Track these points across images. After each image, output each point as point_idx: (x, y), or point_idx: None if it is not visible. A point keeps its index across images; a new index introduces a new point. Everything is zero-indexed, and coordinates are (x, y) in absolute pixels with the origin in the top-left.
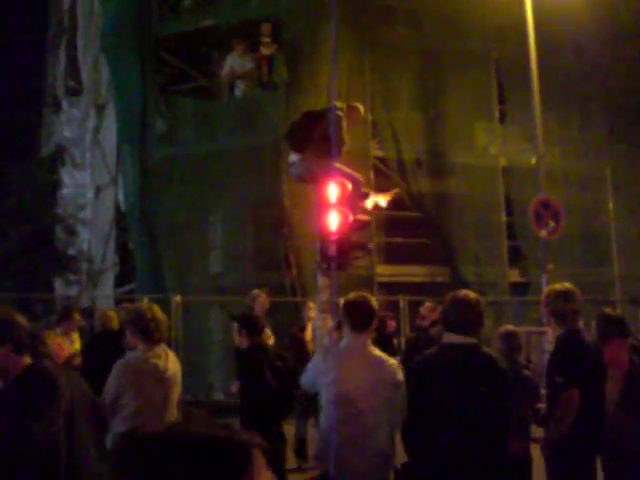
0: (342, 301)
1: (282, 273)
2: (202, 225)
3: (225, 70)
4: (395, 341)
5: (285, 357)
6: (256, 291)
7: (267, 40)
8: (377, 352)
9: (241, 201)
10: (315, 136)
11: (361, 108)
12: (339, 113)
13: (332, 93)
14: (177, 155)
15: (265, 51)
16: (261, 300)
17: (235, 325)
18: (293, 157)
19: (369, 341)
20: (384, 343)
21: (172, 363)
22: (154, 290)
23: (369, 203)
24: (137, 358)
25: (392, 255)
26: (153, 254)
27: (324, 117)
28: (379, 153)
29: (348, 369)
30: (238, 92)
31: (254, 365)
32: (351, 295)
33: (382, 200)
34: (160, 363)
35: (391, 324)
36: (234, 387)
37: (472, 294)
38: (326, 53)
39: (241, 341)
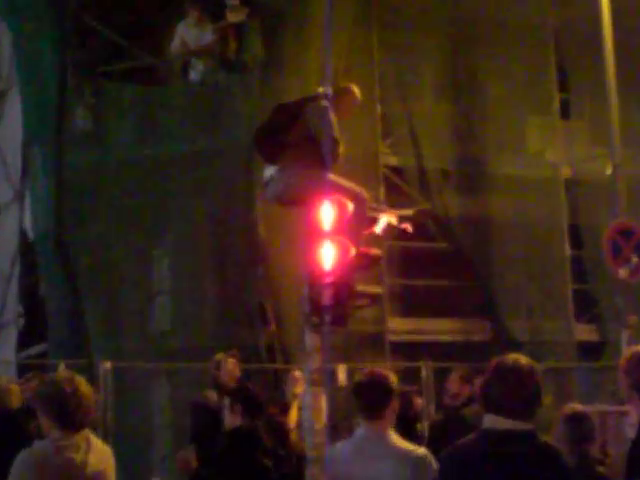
0: (339, 368)
1: (256, 329)
2: (142, 261)
3: (174, 44)
4: (418, 426)
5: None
6: (221, 355)
7: (234, 2)
8: (401, 442)
9: (198, 228)
10: (292, 138)
11: (356, 91)
12: (321, 103)
13: (326, 77)
14: (108, 162)
15: (232, 18)
16: (229, 367)
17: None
18: (269, 171)
19: (389, 429)
20: (405, 428)
21: (97, 457)
22: (74, 353)
23: (378, 229)
24: (45, 450)
25: (410, 304)
26: (73, 302)
27: (302, 111)
28: (392, 160)
29: (364, 470)
30: (194, 75)
31: (249, 451)
32: (362, 374)
33: (394, 220)
34: (78, 457)
35: (417, 402)
36: None
37: (524, 360)
38: (318, 22)
39: (234, 420)
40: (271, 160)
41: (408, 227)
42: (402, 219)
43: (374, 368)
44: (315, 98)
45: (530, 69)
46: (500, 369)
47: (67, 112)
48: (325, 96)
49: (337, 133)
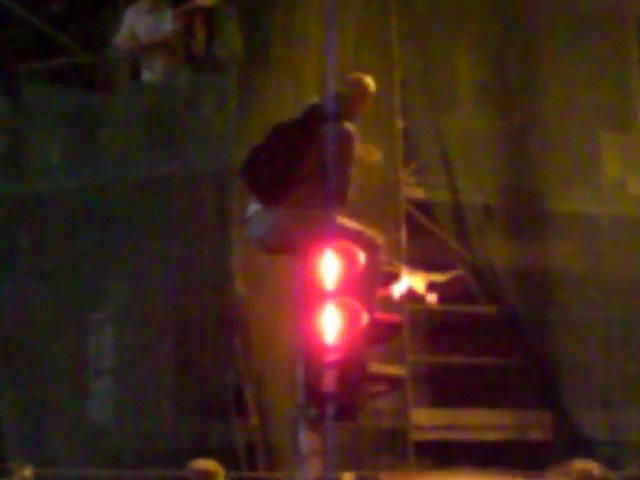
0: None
1: (231, 424)
2: (76, 330)
3: (121, 36)
4: None
5: None
6: (197, 463)
7: None
8: None
9: (152, 283)
10: (301, 174)
11: (370, 82)
12: (344, 126)
13: (329, 79)
14: (29, 195)
15: (201, 1)
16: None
17: None
18: (253, 208)
19: None
20: None
21: None
22: None
23: (396, 293)
24: None
25: (441, 390)
26: None
27: (314, 132)
28: (417, 193)
29: None
30: (148, 77)
31: None
32: None
33: (420, 284)
34: None
35: None
36: None
37: (597, 469)
38: (316, 5)
39: None
40: (267, 201)
41: (434, 299)
42: (431, 284)
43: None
44: (334, 116)
45: (605, 71)
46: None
47: None
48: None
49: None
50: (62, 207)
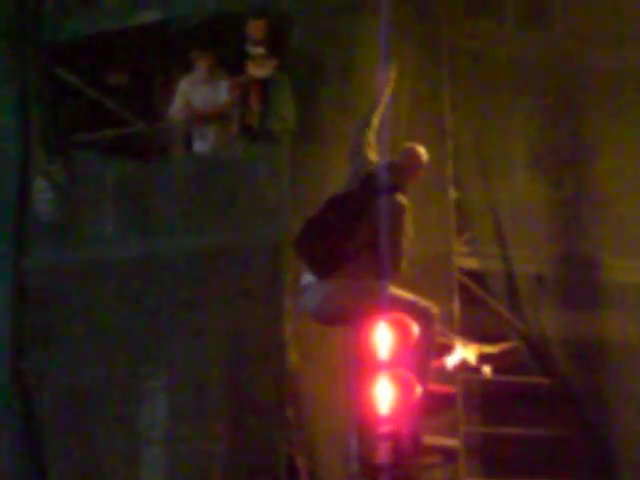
0: None
1: None
2: (127, 398)
3: (176, 106)
4: None
5: None
6: None
7: (259, 52)
8: None
9: (205, 353)
10: (353, 246)
11: (423, 152)
12: (398, 199)
13: (382, 150)
14: (81, 263)
15: (255, 72)
16: None
17: None
18: (307, 279)
19: None
20: None
21: None
22: None
23: (451, 361)
24: None
25: (496, 461)
26: (32, 458)
27: (368, 204)
28: (470, 263)
29: None
30: (201, 147)
31: None
32: None
33: (472, 356)
34: None
35: None
36: None
37: None
38: (368, 76)
39: None
40: (320, 274)
41: (488, 371)
42: (484, 355)
43: None
44: (388, 188)
45: None
46: None
47: (29, 198)
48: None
49: (409, 227)
50: (116, 276)
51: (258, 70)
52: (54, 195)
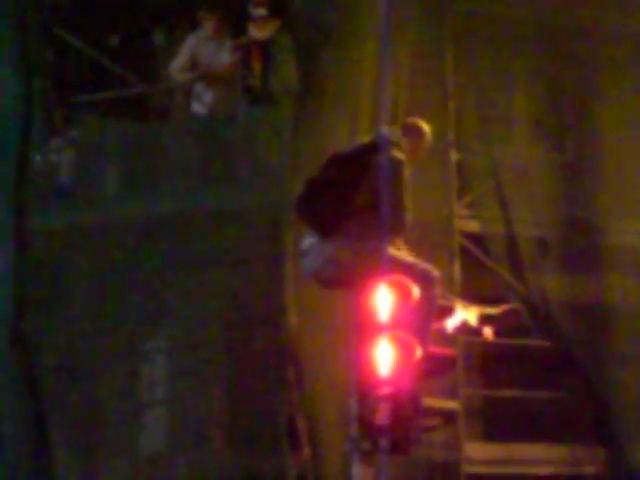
0: None
1: (283, 455)
2: (129, 360)
3: (179, 62)
4: None
5: None
6: None
7: (261, 12)
8: None
9: (205, 315)
10: (355, 206)
11: (426, 131)
12: (395, 155)
13: (382, 113)
14: (84, 225)
15: (257, 33)
16: None
17: None
18: (308, 241)
19: None
20: None
21: None
22: None
23: (449, 326)
24: None
25: (495, 423)
26: (34, 419)
27: (368, 162)
28: (471, 226)
29: None
30: (200, 108)
31: None
32: None
33: (473, 317)
34: None
35: None
36: None
37: None
38: (371, 39)
39: None
40: (321, 231)
41: (489, 334)
42: (485, 317)
43: None
44: (384, 145)
45: None
46: None
47: (30, 158)
48: (395, 142)
49: (408, 200)
50: (118, 237)
51: (259, 32)
52: (58, 156)
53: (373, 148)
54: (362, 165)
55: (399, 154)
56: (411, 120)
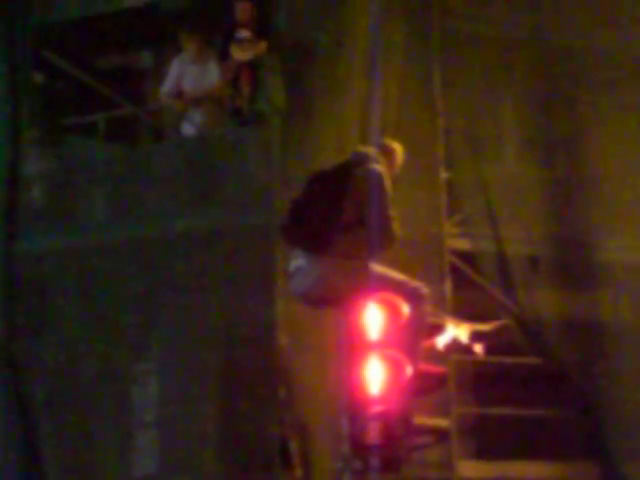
0: None
1: (275, 476)
2: (120, 382)
3: (167, 86)
4: None
5: None
6: None
7: (246, 35)
8: None
9: (196, 336)
10: (341, 220)
11: (397, 149)
12: (373, 167)
13: (372, 132)
14: (73, 248)
15: (240, 55)
16: None
17: None
18: (296, 262)
19: None
20: None
21: None
22: None
23: (440, 343)
24: None
25: (488, 441)
26: (25, 443)
27: (349, 176)
28: (461, 244)
29: None
30: (191, 129)
31: None
32: None
33: (464, 334)
34: None
35: None
36: None
37: None
38: (358, 60)
39: None
40: (310, 248)
41: (480, 350)
42: (475, 334)
43: None
44: (364, 160)
45: None
46: None
47: (20, 183)
48: (372, 157)
49: (392, 210)
50: (106, 260)
51: (242, 54)
52: (46, 179)
53: (353, 163)
54: (344, 179)
55: (378, 167)
56: (383, 140)
